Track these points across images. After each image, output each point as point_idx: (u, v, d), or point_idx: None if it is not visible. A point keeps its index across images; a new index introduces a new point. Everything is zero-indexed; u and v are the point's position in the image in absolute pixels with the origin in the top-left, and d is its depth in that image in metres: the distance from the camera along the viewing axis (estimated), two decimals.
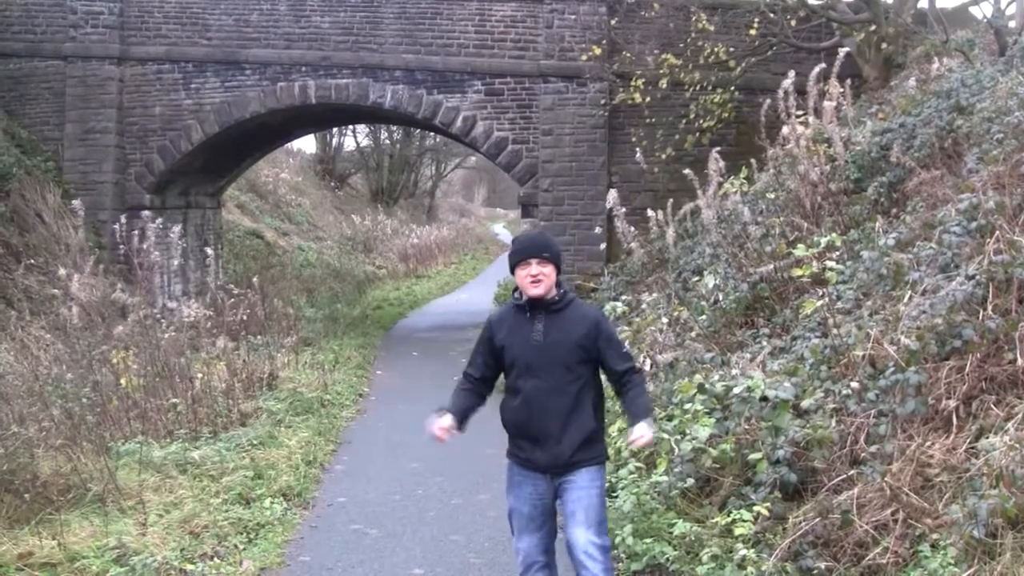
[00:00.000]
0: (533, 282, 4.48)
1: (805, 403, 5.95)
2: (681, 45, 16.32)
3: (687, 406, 6.59)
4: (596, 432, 4.59)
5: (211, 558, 6.28)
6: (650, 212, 10.90)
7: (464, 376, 4.78)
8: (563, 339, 4.48)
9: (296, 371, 12.58)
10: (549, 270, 4.50)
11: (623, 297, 11.57)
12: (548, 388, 4.45)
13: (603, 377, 4.70)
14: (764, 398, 5.98)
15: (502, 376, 4.76)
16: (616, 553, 6.16)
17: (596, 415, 4.61)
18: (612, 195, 9.11)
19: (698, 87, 16.10)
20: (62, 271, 11.12)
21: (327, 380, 12.39)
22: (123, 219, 13.01)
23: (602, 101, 16.98)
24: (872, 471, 5.07)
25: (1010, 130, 7.30)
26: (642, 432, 4.42)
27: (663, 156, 16.06)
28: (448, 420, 4.62)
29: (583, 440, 4.49)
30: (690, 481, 6.17)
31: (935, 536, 4.56)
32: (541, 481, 4.53)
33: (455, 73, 17.71)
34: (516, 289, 4.64)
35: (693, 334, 8.79)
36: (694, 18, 16.12)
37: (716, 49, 15.92)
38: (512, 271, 4.61)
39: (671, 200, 11.64)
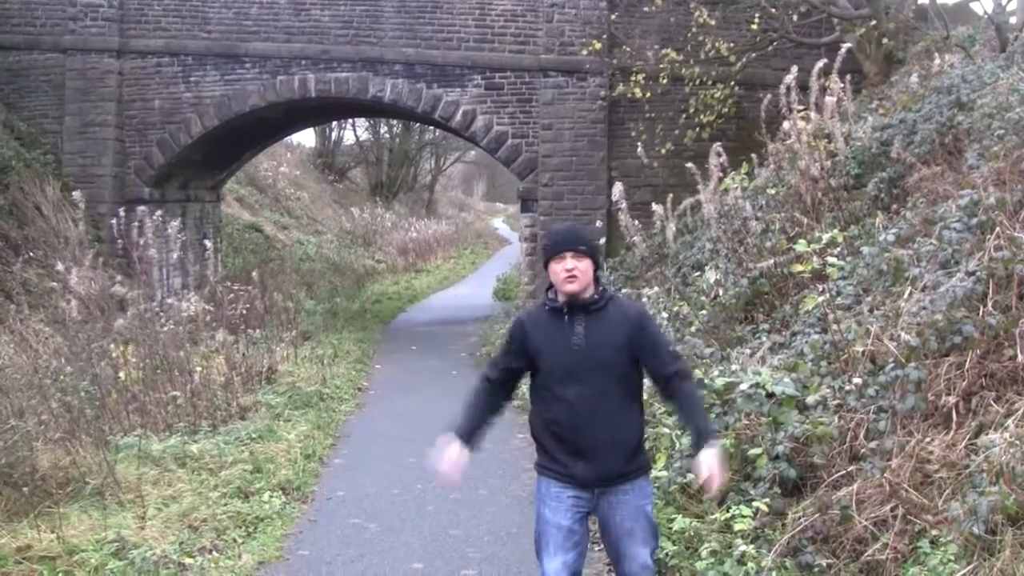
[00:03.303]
0: (568, 277, 4.09)
1: (810, 399, 5.94)
2: (681, 40, 16.32)
3: None
4: (642, 439, 4.31)
5: (210, 552, 6.28)
6: (654, 206, 10.91)
7: (483, 379, 4.39)
8: (607, 341, 4.11)
9: (295, 365, 12.58)
10: (585, 265, 4.12)
11: (623, 292, 11.57)
12: (594, 395, 4.07)
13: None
14: (770, 395, 5.97)
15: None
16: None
17: (641, 420, 4.29)
18: (617, 189, 9.09)
19: (698, 82, 16.10)
20: (61, 265, 11.11)
21: (326, 374, 12.38)
22: (122, 212, 13.00)
23: (602, 95, 16.96)
24: (872, 467, 5.06)
25: (1011, 126, 7.29)
26: (710, 464, 3.97)
27: (663, 151, 16.07)
28: (455, 451, 4.21)
29: (634, 449, 4.19)
30: (690, 476, 6.17)
31: (935, 532, 4.56)
32: (583, 495, 4.16)
33: (455, 67, 17.69)
34: (549, 288, 4.26)
35: (693, 329, 8.79)
36: (695, 13, 16.10)
37: (717, 44, 15.90)
38: (545, 266, 4.24)
39: (671, 195, 11.66)
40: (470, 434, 4.29)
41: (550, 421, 4.19)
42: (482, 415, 4.35)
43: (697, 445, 4.11)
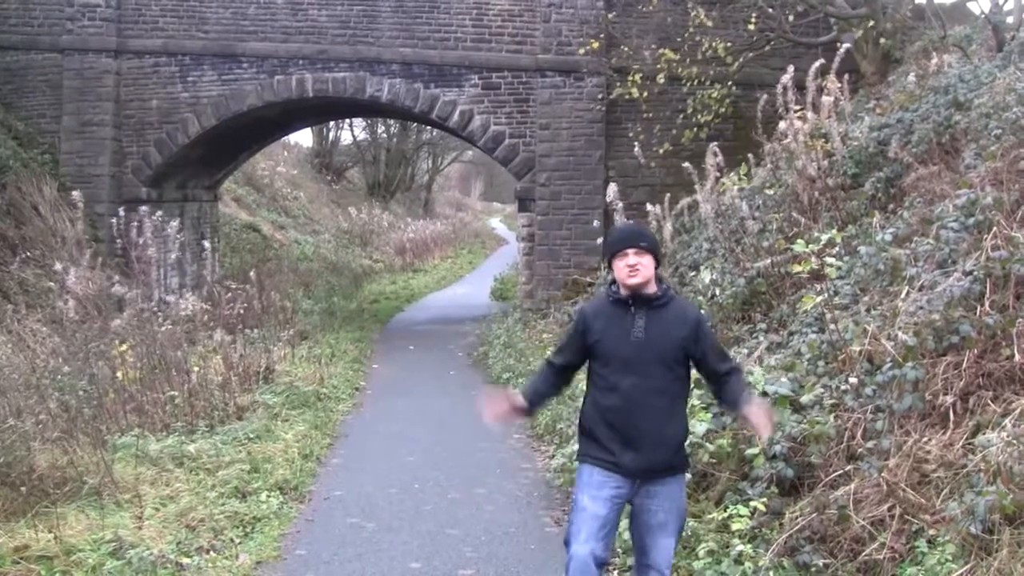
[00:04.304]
0: (631, 272, 4.30)
1: (805, 399, 5.95)
2: (679, 40, 16.30)
3: None
4: (686, 436, 4.51)
5: (207, 552, 6.28)
6: (649, 206, 10.92)
7: (547, 363, 4.63)
8: (665, 337, 4.30)
9: (293, 365, 12.57)
10: (647, 261, 4.32)
11: None
12: (648, 387, 4.26)
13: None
14: (763, 393, 5.99)
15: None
16: (613, 548, 6.17)
17: (686, 418, 4.51)
18: (612, 189, 9.12)
19: (696, 82, 16.08)
20: (58, 264, 11.10)
21: (324, 374, 12.37)
22: (122, 212, 12.99)
23: (599, 95, 16.96)
24: (869, 467, 5.07)
25: (1008, 126, 7.29)
26: (759, 412, 4.32)
27: (660, 151, 16.06)
28: (517, 399, 4.50)
29: (679, 444, 4.39)
30: (687, 476, 6.17)
31: (932, 532, 4.57)
32: (624, 485, 4.31)
33: (452, 67, 17.69)
34: (612, 283, 4.46)
35: None
36: (692, 13, 16.09)
37: (714, 44, 15.89)
38: (609, 264, 4.46)
39: (668, 195, 11.67)
40: (532, 396, 4.57)
41: (605, 409, 4.34)
42: (545, 387, 4.61)
43: (739, 403, 4.37)
